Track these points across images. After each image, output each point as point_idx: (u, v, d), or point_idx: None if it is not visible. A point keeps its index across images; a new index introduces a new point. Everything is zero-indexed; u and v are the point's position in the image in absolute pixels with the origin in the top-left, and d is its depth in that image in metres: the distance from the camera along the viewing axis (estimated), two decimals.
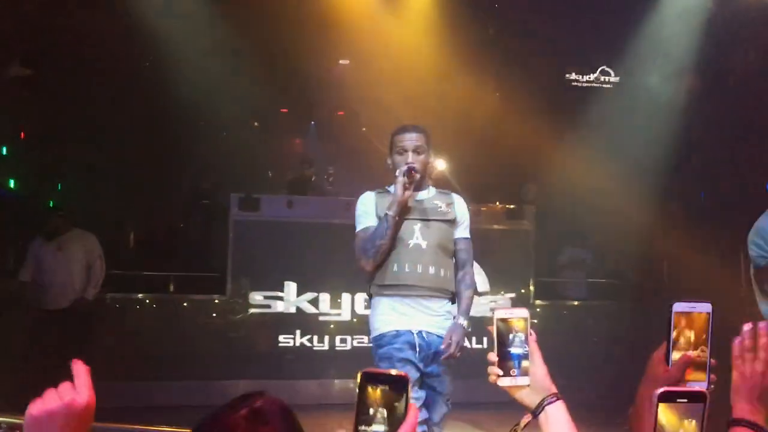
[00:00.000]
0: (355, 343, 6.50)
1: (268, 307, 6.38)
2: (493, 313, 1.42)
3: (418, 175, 3.17)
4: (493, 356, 1.39)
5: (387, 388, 1.09)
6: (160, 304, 6.40)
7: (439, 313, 3.19)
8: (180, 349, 6.11)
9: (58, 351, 5.57)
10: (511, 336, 1.41)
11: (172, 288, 6.68)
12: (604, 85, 8.69)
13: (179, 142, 7.68)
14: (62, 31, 7.07)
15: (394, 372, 1.10)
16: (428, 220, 3.24)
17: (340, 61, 8.97)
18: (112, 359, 5.55)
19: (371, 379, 1.09)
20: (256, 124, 7.93)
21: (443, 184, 7.61)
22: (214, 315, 6.37)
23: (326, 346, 6.44)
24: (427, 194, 3.30)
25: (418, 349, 3.10)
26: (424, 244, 3.21)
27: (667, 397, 1.25)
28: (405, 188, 3.12)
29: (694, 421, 1.26)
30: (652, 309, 6.18)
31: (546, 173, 8.07)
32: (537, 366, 1.39)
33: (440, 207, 3.27)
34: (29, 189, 7.40)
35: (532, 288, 7.07)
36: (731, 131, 7.35)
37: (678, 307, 1.48)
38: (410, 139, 3.24)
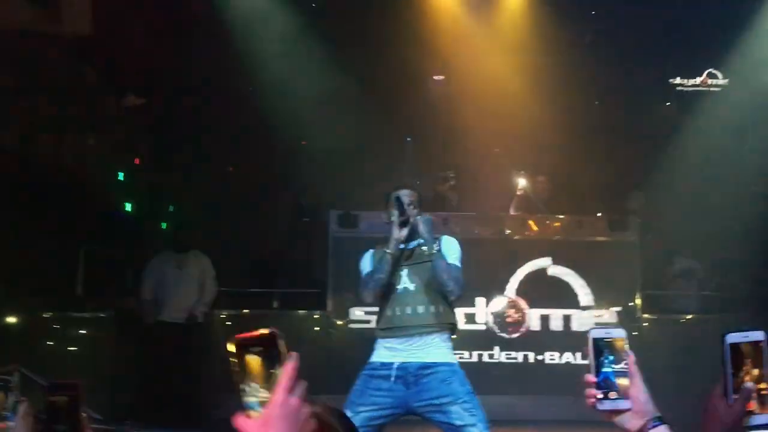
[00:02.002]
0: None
1: (368, 322, 6.44)
2: (588, 334, 1.38)
3: (411, 207, 3.53)
4: (590, 378, 1.37)
5: (262, 350, 1.08)
6: (264, 320, 6.60)
7: (428, 345, 3.42)
8: None
9: (173, 362, 5.90)
10: (608, 357, 1.38)
11: (275, 304, 6.89)
12: (712, 89, 8.31)
13: (282, 162, 7.93)
14: (171, 60, 7.49)
15: (263, 331, 1.09)
16: (414, 264, 3.55)
17: (435, 77, 9.01)
18: (221, 372, 5.77)
19: (244, 345, 1.07)
20: (352, 142, 8.07)
21: (524, 203, 7.55)
22: (316, 330, 6.50)
23: None
24: (416, 243, 3.58)
25: (393, 378, 3.36)
26: (411, 287, 3.53)
27: None
28: (399, 227, 3.49)
29: None
30: None
31: (652, 182, 7.78)
32: (638, 388, 1.34)
33: (425, 250, 3.52)
34: (144, 212, 7.85)
35: (638, 301, 6.81)
36: None
37: (731, 338, 1.41)
38: (402, 195, 3.58)
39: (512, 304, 6.64)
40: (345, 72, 7.73)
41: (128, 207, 7.78)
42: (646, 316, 6.83)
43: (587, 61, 8.08)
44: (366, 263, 3.64)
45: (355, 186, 7.39)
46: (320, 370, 6.32)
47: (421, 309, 3.48)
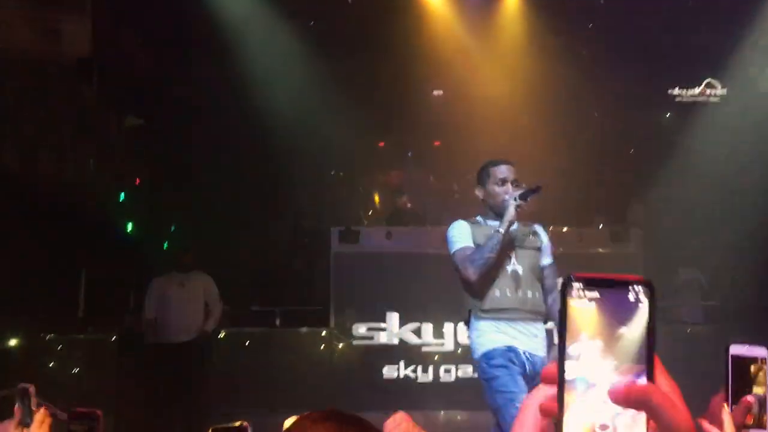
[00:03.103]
0: (459, 374, 6.43)
1: (371, 338, 6.43)
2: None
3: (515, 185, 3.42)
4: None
5: None
6: (267, 338, 6.58)
7: (537, 335, 3.39)
8: (286, 381, 6.23)
9: (176, 382, 5.87)
10: None
11: (278, 322, 6.86)
12: (711, 99, 8.32)
13: (282, 180, 7.94)
14: (172, 81, 7.52)
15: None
16: (522, 248, 3.45)
17: (434, 92, 9.04)
18: (225, 391, 5.75)
19: None
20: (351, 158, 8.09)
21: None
22: (319, 347, 6.48)
23: (430, 377, 6.40)
24: (514, 225, 3.44)
25: (527, 367, 3.29)
26: (520, 270, 3.43)
27: None
28: (516, 207, 3.31)
29: None
30: None
31: (653, 193, 7.78)
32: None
33: (528, 236, 3.49)
34: (145, 232, 7.84)
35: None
36: None
37: (734, 349, 1.40)
38: (510, 171, 3.47)
39: None
40: (345, 88, 7.76)
41: (129, 227, 7.77)
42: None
43: (586, 73, 8.10)
44: (459, 234, 3.46)
45: (356, 202, 7.40)
46: (325, 387, 6.29)
47: (529, 294, 3.40)
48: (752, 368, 1.38)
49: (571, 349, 0.64)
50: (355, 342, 6.42)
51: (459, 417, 6.39)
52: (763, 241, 7.17)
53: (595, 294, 0.69)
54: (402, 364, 6.39)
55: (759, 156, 7.45)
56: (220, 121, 7.83)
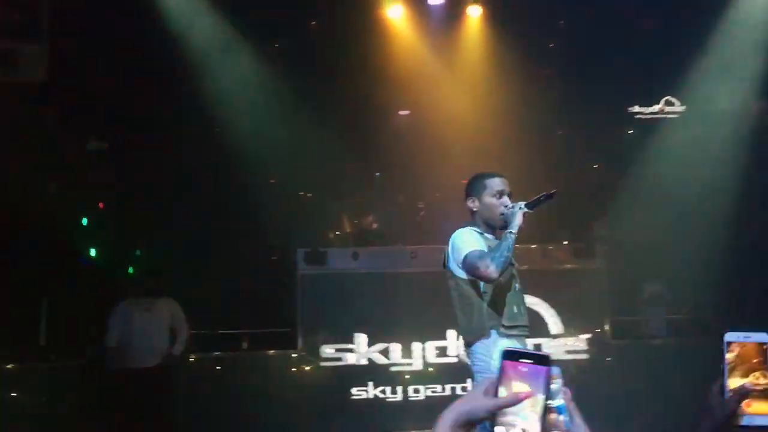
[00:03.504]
0: (428, 393, 6.41)
1: (340, 359, 6.40)
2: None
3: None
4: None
5: None
6: (235, 361, 6.51)
7: None
8: (254, 404, 6.17)
9: (141, 409, 5.77)
10: (553, 391, 1.37)
11: (245, 345, 6.80)
12: (670, 116, 8.49)
13: (248, 202, 7.90)
14: (133, 104, 7.46)
15: None
16: (513, 265, 3.47)
17: (400, 112, 9.09)
18: (193, 416, 5.66)
19: None
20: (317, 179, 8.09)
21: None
22: (287, 369, 6.43)
23: (399, 397, 6.38)
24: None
25: None
26: (517, 286, 3.49)
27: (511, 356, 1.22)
28: (523, 215, 3.35)
29: (534, 383, 1.21)
30: None
31: (617, 209, 7.89)
32: (578, 427, 1.34)
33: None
34: (109, 257, 7.73)
35: (608, 327, 6.84)
36: None
37: (730, 336, 1.41)
38: (505, 183, 3.49)
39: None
40: (311, 109, 7.77)
41: (93, 252, 7.65)
42: (616, 342, 6.86)
43: (549, 92, 8.22)
44: (470, 238, 3.38)
45: (322, 223, 7.39)
46: (294, 409, 6.24)
47: (524, 310, 3.48)
48: (753, 354, 1.39)
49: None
50: (323, 363, 6.39)
51: None
52: (725, 254, 7.31)
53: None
54: (371, 384, 6.36)
55: (718, 171, 7.61)
56: (185, 143, 7.78)
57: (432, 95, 8.38)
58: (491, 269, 3.22)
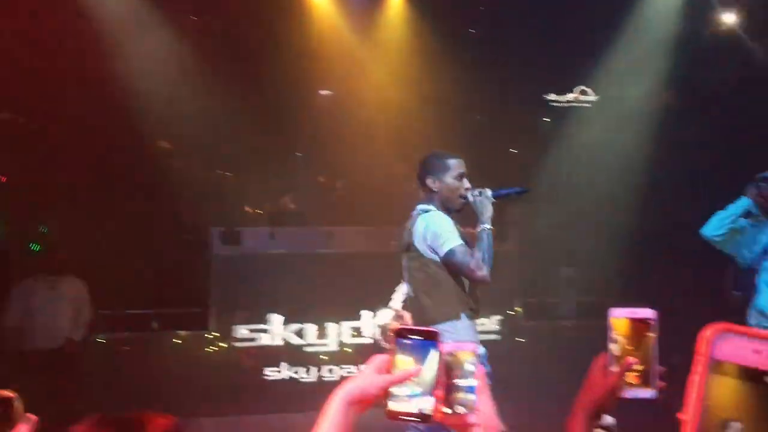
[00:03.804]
0: (343, 373, 6.43)
1: (253, 340, 6.33)
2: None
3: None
4: (438, 392, 1.37)
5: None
6: (144, 342, 6.35)
7: None
8: (164, 386, 6.03)
9: (45, 391, 5.54)
10: (458, 371, 1.38)
11: (155, 325, 6.63)
12: (584, 104, 8.74)
13: (161, 180, 7.67)
14: (42, 75, 7.11)
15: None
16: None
17: (321, 91, 9.01)
18: (100, 398, 5.48)
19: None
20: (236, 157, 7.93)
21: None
22: (199, 350, 6.31)
23: (314, 378, 6.37)
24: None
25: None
26: None
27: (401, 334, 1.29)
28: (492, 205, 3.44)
29: (424, 359, 1.26)
30: None
31: (531, 194, 8.06)
32: (484, 403, 1.35)
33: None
34: (12, 233, 7.37)
35: (520, 309, 7.02)
36: (709, 147, 7.39)
37: (615, 312, 1.45)
38: (464, 165, 3.52)
39: (398, 316, 6.68)
40: (231, 88, 7.60)
41: None
42: (528, 323, 7.05)
43: (468, 77, 8.31)
44: (452, 229, 3.39)
45: (239, 202, 7.26)
46: (205, 390, 6.14)
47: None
48: (639, 330, 1.41)
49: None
50: (236, 344, 6.30)
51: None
52: (633, 239, 7.61)
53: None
54: (285, 365, 6.33)
55: (627, 159, 7.89)
56: (97, 118, 7.47)
57: (354, 75, 8.34)
58: (485, 273, 3.32)
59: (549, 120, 9.14)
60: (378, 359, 1.35)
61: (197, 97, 7.40)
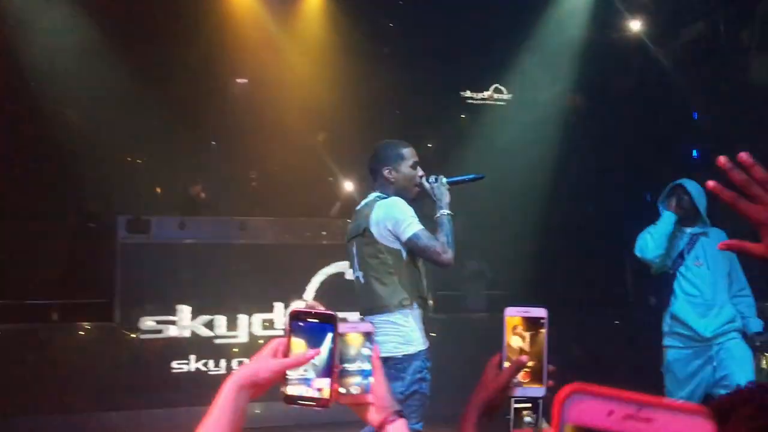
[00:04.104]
0: None
1: (160, 332, 6.16)
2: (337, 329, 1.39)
3: None
4: (335, 372, 1.36)
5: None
6: (43, 333, 6.08)
7: None
8: (66, 380, 5.81)
9: None
10: (353, 352, 1.38)
11: (55, 317, 6.36)
12: (498, 103, 8.94)
13: (66, 165, 7.36)
14: None
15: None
16: None
17: (238, 80, 8.85)
18: None
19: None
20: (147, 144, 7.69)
21: (355, 202, 7.68)
22: (103, 342, 6.10)
23: (223, 370, 6.27)
24: None
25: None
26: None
27: (298, 317, 1.31)
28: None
29: (321, 343, 1.30)
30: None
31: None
32: (378, 384, 1.36)
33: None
34: None
35: (431, 302, 7.11)
36: (612, 149, 7.71)
37: (510, 311, 1.49)
38: (416, 154, 3.59)
39: (310, 308, 6.66)
40: (141, 71, 7.35)
41: None
42: (438, 316, 7.15)
43: (386, 71, 8.35)
44: (412, 213, 3.41)
45: (148, 190, 7.05)
46: (110, 383, 5.95)
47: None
48: (531, 328, 1.46)
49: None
50: (142, 336, 6.12)
51: (257, 410, 6.33)
52: (541, 235, 7.86)
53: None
54: (193, 357, 6.20)
55: (536, 158, 8.13)
56: (3, 104, 7.11)
57: (271, 65, 8.23)
58: (450, 256, 3.37)
59: (465, 117, 9.29)
60: (273, 343, 1.35)
61: (104, 80, 7.13)
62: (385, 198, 3.46)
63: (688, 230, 4.64)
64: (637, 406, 0.61)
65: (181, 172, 7.84)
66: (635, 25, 7.87)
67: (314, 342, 1.35)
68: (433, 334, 6.96)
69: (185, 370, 6.17)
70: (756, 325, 4.59)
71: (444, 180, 3.50)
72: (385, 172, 3.51)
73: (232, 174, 8.21)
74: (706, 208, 4.61)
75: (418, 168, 3.55)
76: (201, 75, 7.90)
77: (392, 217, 3.37)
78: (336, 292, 6.68)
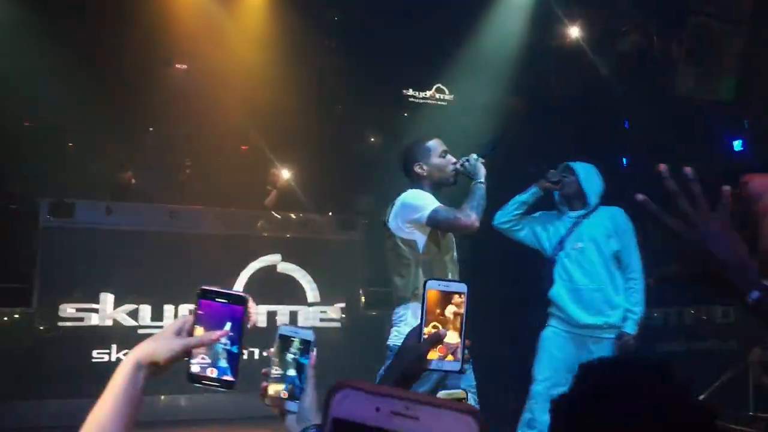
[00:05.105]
0: None
1: (81, 320, 5.99)
2: (278, 329, 1.37)
3: None
4: (266, 371, 1.35)
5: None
6: None
7: None
8: None
9: None
10: (290, 357, 1.36)
11: None
12: (440, 102, 8.99)
13: None
14: None
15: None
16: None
17: (177, 65, 8.67)
18: None
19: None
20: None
21: (291, 194, 7.62)
22: (19, 330, 5.88)
23: None
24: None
25: None
26: (455, 256, 3.61)
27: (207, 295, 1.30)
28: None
29: (229, 323, 1.30)
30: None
31: (380, 185, 8.19)
32: (306, 394, 1.34)
33: None
34: None
35: (362, 297, 7.12)
36: (547, 154, 7.82)
37: (431, 284, 1.49)
38: (443, 144, 3.70)
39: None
40: (73, 52, 7.12)
41: None
42: (368, 311, 7.16)
43: (330, 65, 8.30)
44: (428, 197, 3.47)
45: (74, 174, 6.83)
46: (26, 372, 5.75)
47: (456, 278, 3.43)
48: (448, 303, 1.47)
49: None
50: (61, 323, 5.93)
51: (182, 402, 6.22)
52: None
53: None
54: (114, 347, 6.04)
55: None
56: None
57: (212, 52, 8.08)
58: (473, 218, 3.34)
59: (407, 115, 9.32)
60: (179, 321, 1.32)
61: (32, 59, 6.89)
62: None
63: (573, 214, 4.45)
64: (405, 404, 0.62)
65: (113, 158, 7.63)
66: (573, 32, 8.02)
67: (222, 322, 1.33)
68: (359, 327, 7.04)
69: (106, 360, 6.01)
70: (630, 327, 4.24)
71: (475, 156, 3.58)
72: (417, 168, 3.63)
73: (165, 161, 8.04)
74: (599, 193, 4.44)
75: (448, 155, 3.65)
76: (138, 59, 7.70)
77: (410, 207, 3.47)
78: (267, 285, 6.63)
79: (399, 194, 3.64)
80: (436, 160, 3.64)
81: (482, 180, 3.51)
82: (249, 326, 1.34)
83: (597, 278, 4.30)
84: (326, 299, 6.84)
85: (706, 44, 6.95)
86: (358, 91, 8.45)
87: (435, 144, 3.68)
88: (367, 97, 8.56)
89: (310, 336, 1.41)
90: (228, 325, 1.32)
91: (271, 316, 6.65)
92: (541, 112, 8.01)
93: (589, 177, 4.45)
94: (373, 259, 7.28)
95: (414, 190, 3.57)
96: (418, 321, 3.56)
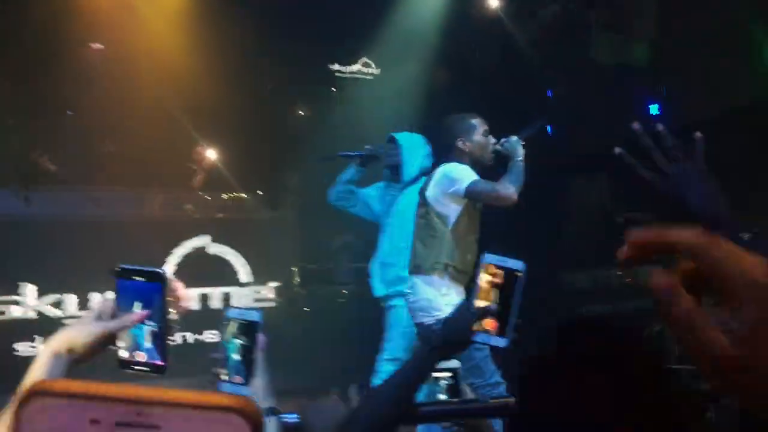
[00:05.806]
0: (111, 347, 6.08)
1: (2, 313, 5.76)
2: (226, 313, 1.36)
3: None
4: (217, 357, 1.32)
5: None
6: None
7: None
8: None
9: None
10: (238, 340, 1.33)
11: None
12: (367, 77, 8.95)
13: None
14: None
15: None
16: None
17: (93, 45, 8.33)
18: None
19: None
20: None
21: (218, 174, 7.47)
22: None
23: None
24: None
25: None
26: (477, 237, 3.68)
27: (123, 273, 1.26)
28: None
29: (150, 302, 1.29)
30: None
31: (312, 162, 8.13)
32: (257, 377, 1.32)
33: None
34: None
35: (297, 276, 7.09)
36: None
37: (489, 258, 1.47)
38: (485, 123, 3.78)
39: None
40: None
41: None
42: (303, 289, 7.14)
43: (254, 40, 8.12)
44: (467, 170, 3.56)
45: None
46: None
47: (473, 260, 3.39)
48: (503, 278, 1.46)
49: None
50: None
51: None
52: None
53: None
54: (40, 340, 5.84)
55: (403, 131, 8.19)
56: None
57: (129, 31, 7.80)
58: (512, 190, 3.43)
59: (335, 90, 9.24)
60: (98, 305, 1.29)
61: None
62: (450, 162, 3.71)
63: (398, 186, 4.36)
64: (137, 408, 0.45)
65: (29, 142, 7.31)
66: (494, 1, 8.05)
67: (143, 302, 1.28)
68: (296, 306, 7.02)
69: (31, 353, 5.80)
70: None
71: (514, 138, 3.65)
72: (459, 144, 3.68)
73: (85, 144, 7.74)
74: (420, 165, 4.24)
75: (490, 135, 3.72)
76: (50, 39, 7.37)
77: (449, 177, 3.56)
78: (198, 268, 6.52)
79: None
80: (478, 137, 3.72)
81: (521, 158, 3.58)
82: (181, 306, 1.30)
83: (395, 251, 4.17)
84: (259, 279, 6.77)
85: (618, 9, 7.13)
86: (283, 68, 8.32)
87: (479, 122, 3.76)
88: (294, 73, 8.44)
89: (257, 317, 1.39)
90: (148, 304, 1.28)
91: (204, 298, 6.55)
92: (466, 82, 8.07)
93: (411, 148, 4.32)
94: (306, 236, 7.28)
95: (454, 163, 3.64)
96: (428, 294, 3.64)
